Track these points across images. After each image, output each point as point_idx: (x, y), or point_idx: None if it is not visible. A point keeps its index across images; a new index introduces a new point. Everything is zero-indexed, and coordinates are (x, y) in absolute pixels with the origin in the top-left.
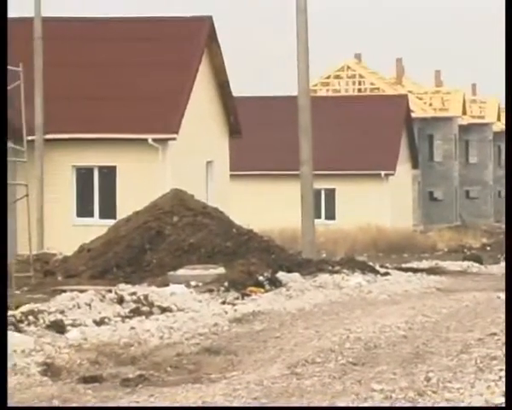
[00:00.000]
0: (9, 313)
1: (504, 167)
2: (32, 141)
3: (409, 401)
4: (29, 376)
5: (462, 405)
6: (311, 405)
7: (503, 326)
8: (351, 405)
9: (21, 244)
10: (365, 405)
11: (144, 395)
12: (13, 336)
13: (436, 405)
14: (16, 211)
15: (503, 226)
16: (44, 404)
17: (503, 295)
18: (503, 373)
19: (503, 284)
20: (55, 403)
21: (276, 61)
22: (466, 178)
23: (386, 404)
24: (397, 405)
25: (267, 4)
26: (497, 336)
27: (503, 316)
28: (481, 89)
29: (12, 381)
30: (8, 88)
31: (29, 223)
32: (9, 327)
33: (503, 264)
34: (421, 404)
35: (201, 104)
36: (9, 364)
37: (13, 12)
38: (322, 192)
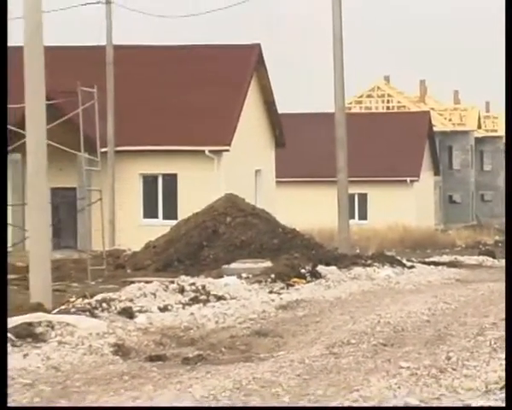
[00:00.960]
0: (85, 301)
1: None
2: (105, 152)
3: (431, 377)
4: (102, 355)
5: (478, 382)
6: (347, 381)
7: None
8: (381, 381)
9: (95, 242)
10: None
11: (202, 371)
12: (88, 321)
13: (455, 382)
14: (91, 213)
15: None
16: (116, 380)
17: None
18: None
19: None
20: (125, 380)
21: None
22: (481, 184)
23: (412, 380)
24: (420, 382)
25: (306, 34)
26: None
27: None
28: (494, 106)
29: (88, 360)
30: (84, 106)
31: (102, 223)
32: (86, 313)
33: None
34: (442, 379)
35: (251, 120)
36: (85, 345)
37: (88, 41)
38: (356, 196)
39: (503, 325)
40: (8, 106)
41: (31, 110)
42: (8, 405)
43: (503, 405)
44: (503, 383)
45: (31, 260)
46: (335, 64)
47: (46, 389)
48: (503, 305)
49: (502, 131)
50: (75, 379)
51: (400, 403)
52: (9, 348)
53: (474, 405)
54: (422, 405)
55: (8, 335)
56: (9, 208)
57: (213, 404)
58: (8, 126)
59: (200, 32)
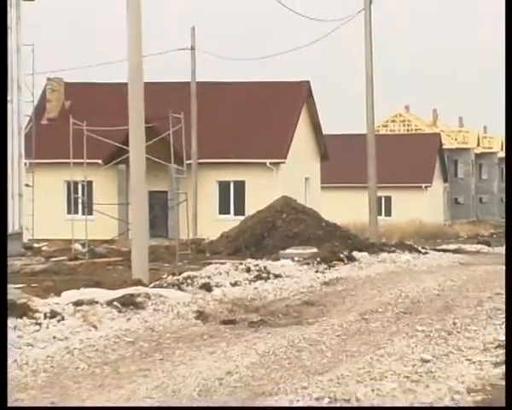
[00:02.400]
0: (174, 277)
1: (505, 182)
2: (190, 164)
3: (441, 338)
4: (187, 320)
5: (477, 342)
6: (376, 340)
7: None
8: (402, 341)
9: (182, 233)
10: (412, 342)
11: (263, 332)
12: (176, 293)
13: (459, 342)
14: (179, 210)
15: (502, 221)
16: (197, 339)
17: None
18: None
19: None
20: (205, 338)
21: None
22: (479, 189)
23: (426, 340)
24: (431, 342)
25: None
26: (501, 295)
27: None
28: (490, 129)
29: (176, 323)
30: (174, 129)
31: (187, 218)
32: (174, 287)
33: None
34: (449, 340)
35: (302, 139)
36: (174, 312)
37: (176, 78)
38: (382, 198)
39: (497, 298)
40: (117, 128)
41: (133, 131)
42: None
43: (498, 360)
44: (497, 343)
45: (132, 246)
46: (367, 96)
47: (144, 345)
48: (497, 282)
49: (496, 149)
50: (166, 338)
51: (417, 358)
52: (116, 314)
53: (474, 360)
54: (433, 361)
55: (115, 303)
56: (116, 207)
57: (272, 357)
58: (116, 143)
59: (263, 70)
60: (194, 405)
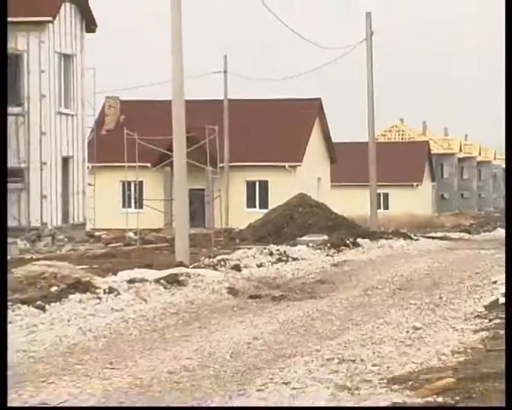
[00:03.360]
0: (210, 260)
1: (483, 180)
2: (223, 166)
3: (430, 309)
4: (221, 294)
5: (460, 313)
6: (376, 312)
7: (484, 268)
8: (398, 312)
9: (216, 223)
10: (406, 313)
11: (283, 305)
12: (212, 273)
13: (445, 313)
14: (213, 205)
15: (482, 213)
16: (229, 310)
17: (482, 251)
18: (483, 295)
19: (483, 245)
20: (237, 312)
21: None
22: (461, 187)
23: (418, 311)
24: (421, 313)
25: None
26: (479, 274)
27: (483, 263)
28: (470, 138)
29: (211, 297)
30: (209, 138)
31: (220, 211)
32: (210, 268)
33: (483, 234)
34: (437, 311)
35: (314, 145)
36: (210, 288)
37: (211, 96)
38: (381, 195)
39: (476, 276)
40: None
41: (176, 140)
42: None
43: (477, 328)
44: (476, 314)
45: (176, 234)
46: (368, 111)
47: (186, 315)
48: (476, 263)
49: (475, 154)
50: (204, 309)
51: (410, 326)
52: (162, 290)
53: (457, 327)
54: (423, 328)
55: (161, 281)
56: (162, 202)
57: (290, 325)
58: (162, 150)
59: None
60: (228, 365)
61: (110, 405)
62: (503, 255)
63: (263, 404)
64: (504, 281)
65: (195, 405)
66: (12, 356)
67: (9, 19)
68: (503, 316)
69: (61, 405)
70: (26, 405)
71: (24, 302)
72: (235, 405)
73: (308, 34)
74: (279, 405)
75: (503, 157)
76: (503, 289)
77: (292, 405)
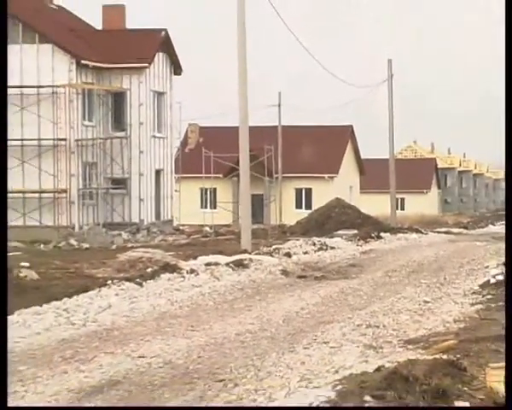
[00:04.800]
0: (267, 248)
1: (478, 188)
2: (277, 177)
3: (436, 287)
4: (275, 275)
5: (460, 290)
6: (395, 289)
7: (478, 256)
8: (412, 289)
9: (272, 221)
10: (418, 290)
11: (324, 283)
12: (269, 258)
13: (448, 290)
14: (270, 206)
15: (477, 214)
16: (282, 287)
17: (477, 243)
18: (478, 276)
19: (478, 238)
20: (288, 288)
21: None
22: (461, 193)
23: (427, 289)
24: (430, 290)
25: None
26: (475, 260)
27: (478, 252)
28: (468, 155)
29: (268, 277)
30: (267, 155)
31: (275, 211)
32: (267, 255)
33: (477, 230)
34: (442, 288)
35: (347, 161)
36: (267, 270)
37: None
38: (399, 199)
39: (472, 262)
40: (231, 154)
41: (242, 157)
42: (9, 405)
43: (473, 302)
44: (472, 291)
45: (242, 228)
46: (389, 133)
47: (249, 291)
48: (472, 252)
49: (471, 168)
50: (263, 286)
51: (421, 300)
52: (231, 271)
53: (458, 301)
54: (432, 302)
55: (230, 264)
56: (231, 204)
57: (329, 299)
58: (231, 164)
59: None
60: (281, 329)
61: (191, 358)
62: (494, 246)
63: (306, 359)
64: (496, 269)
65: (255, 360)
66: (119, 321)
67: (117, 65)
68: (494, 293)
69: (154, 358)
70: (100, 369)
71: (127, 280)
72: (286, 361)
73: (337, 71)
74: (321, 360)
75: (494, 171)
76: (493, 272)
77: (328, 362)
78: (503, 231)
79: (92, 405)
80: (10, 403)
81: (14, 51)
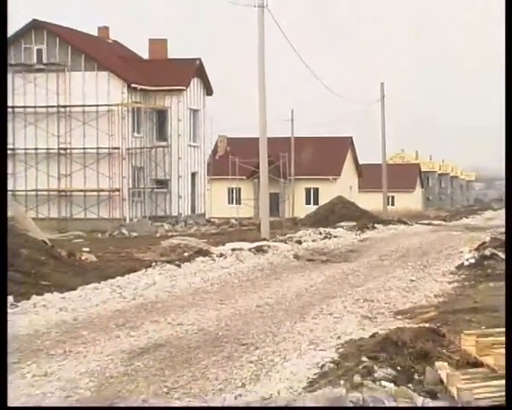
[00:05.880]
0: (282, 237)
1: (454, 188)
2: (290, 179)
3: (420, 269)
4: (289, 258)
5: (439, 271)
6: (387, 270)
7: (454, 243)
8: (400, 271)
9: (286, 214)
10: (406, 271)
11: (328, 265)
12: (284, 245)
13: (430, 271)
14: (285, 203)
15: (453, 209)
16: (294, 269)
17: (454, 233)
18: (454, 260)
19: (454, 229)
20: (299, 269)
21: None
22: (440, 192)
23: (413, 270)
24: (415, 271)
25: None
26: (452, 247)
27: (454, 240)
28: (446, 161)
29: (283, 260)
30: (282, 161)
31: (289, 206)
32: (282, 242)
33: (454, 222)
34: (425, 270)
35: (348, 165)
36: (282, 254)
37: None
38: (390, 197)
39: (449, 248)
40: (253, 160)
41: (261, 162)
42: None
43: (450, 280)
44: (450, 271)
45: (261, 221)
46: (382, 144)
47: (267, 271)
48: (450, 240)
49: (449, 172)
50: (278, 267)
51: (408, 279)
52: (253, 255)
53: (438, 280)
54: (417, 281)
55: (252, 249)
56: (252, 201)
57: (332, 278)
58: (253, 168)
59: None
60: (294, 303)
61: (220, 326)
62: (467, 235)
63: (314, 327)
64: (469, 253)
65: (272, 327)
66: (162, 295)
67: (160, 87)
68: (468, 273)
69: (190, 326)
70: (146, 334)
71: (168, 262)
72: (298, 329)
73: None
74: (326, 328)
75: (467, 174)
76: (466, 256)
77: (332, 330)
78: (475, 222)
79: (140, 364)
80: (50, 369)
81: (78, 77)
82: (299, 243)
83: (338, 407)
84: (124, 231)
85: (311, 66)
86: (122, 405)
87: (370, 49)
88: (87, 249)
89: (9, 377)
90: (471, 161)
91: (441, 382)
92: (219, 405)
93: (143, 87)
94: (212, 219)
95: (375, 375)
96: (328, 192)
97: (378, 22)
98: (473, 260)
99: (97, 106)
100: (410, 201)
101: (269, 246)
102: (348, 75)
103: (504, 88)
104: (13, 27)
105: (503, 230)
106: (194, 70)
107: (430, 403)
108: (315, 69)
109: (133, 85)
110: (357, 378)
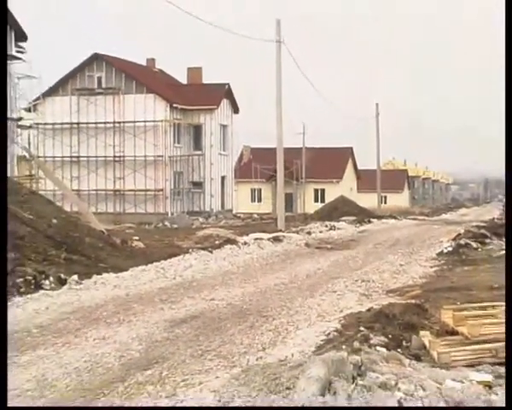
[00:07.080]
0: (295, 229)
1: (435, 189)
2: (302, 181)
3: (408, 255)
4: (300, 247)
5: (423, 257)
6: (380, 256)
7: (435, 234)
8: (392, 256)
9: (298, 210)
10: (396, 257)
11: (333, 252)
12: (296, 235)
13: (416, 257)
14: (297, 201)
15: (435, 206)
16: (305, 255)
17: (435, 226)
18: (435, 248)
19: (435, 223)
20: (309, 255)
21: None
22: (424, 193)
23: (402, 256)
24: (404, 257)
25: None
26: (433, 237)
27: (435, 231)
28: (429, 168)
29: (295, 248)
30: (294, 167)
31: (301, 204)
32: (295, 233)
33: (435, 217)
34: (412, 256)
35: (349, 170)
36: (294, 243)
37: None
38: (383, 197)
39: (432, 238)
40: (271, 166)
41: (278, 167)
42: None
43: (432, 265)
44: (431, 257)
45: (278, 215)
46: (377, 153)
47: (283, 257)
48: (432, 231)
49: (431, 176)
50: (291, 254)
51: (398, 264)
52: (271, 244)
53: (422, 264)
54: (405, 265)
55: (270, 239)
56: (270, 199)
57: (336, 262)
58: (271, 173)
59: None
60: (304, 282)
61: (244, 301)
62: (446, 228)
63: (321, 303)
64: (447, 243)
65: (287, 302)
66: (197, 276)
67: (196, 107)
68: (447, 259)
69: (220, 301)
70: (184, 307)
71: (202, 249)
72: (308, 303)
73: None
74: (331, 303)
75: (446, 178)
76: (445, 245)
77: (336, 305)
78: (452, 217)
79: (179, 331)
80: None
81: (130, 99)
82: (309, 233)
83: (340, 407)
84: (166, 223)
85: (316, 84)
86: (157, 372)
87: (369, 68)
88: (136, 238)
89: (75, 340)
90: (449, 168)
91: (424, 347)
92: (244, 365)
93: (183, 107)
94: (238, 214)
95: (371, 341)
96: (333, 192)
97: (378, 22)
98: (450, 249)
99: (145, 122)
100: (400, 200)
101: (284, 236)
102: (349, 92)
103: (504, 88)
104: (79, 60)
105: (475, 224)
106: (223, 92)
107: (415, 364)
108: (320, 88)
109: (174, 105)
110: (356, 344)
